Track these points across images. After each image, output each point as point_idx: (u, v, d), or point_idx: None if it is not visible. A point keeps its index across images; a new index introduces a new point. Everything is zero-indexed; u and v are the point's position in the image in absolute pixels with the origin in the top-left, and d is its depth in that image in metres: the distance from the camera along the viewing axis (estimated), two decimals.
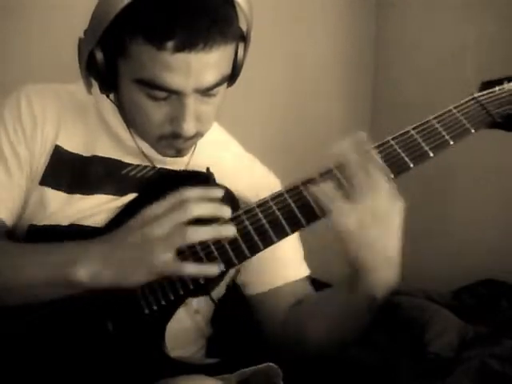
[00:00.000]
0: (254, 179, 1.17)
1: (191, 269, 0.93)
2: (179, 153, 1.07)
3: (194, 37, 0.93)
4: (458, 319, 1.45)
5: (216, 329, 1.21)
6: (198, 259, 0.95)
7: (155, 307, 0.97)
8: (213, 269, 0.93)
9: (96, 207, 1.07)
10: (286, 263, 1.17)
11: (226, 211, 0.94)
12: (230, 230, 0.94)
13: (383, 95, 2.19)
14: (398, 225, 0.95)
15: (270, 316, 1.16)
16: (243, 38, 1.04)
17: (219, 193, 0.96)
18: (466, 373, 1.22)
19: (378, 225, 0.93)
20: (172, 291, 0.97)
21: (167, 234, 0.91)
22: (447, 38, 1.93)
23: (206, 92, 0.99)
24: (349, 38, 2.18)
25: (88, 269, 0.92)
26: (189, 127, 0.99)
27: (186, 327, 1.12)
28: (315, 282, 1.20)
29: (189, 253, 0.95)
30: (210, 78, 0.97)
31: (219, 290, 1.16)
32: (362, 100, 2.21)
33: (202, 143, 1.10)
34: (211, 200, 0.95)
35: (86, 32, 1.00)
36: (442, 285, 1.68)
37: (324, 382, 1.22)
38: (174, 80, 0.95)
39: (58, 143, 1.08)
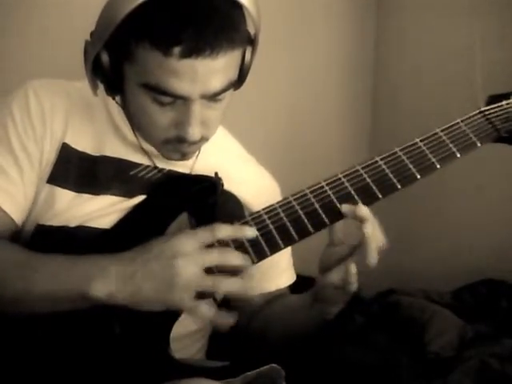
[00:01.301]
0: (257, 183, 1.17)
1: (205, 313, 0.94)
2: (184, 156, 1.07)
3: (200, 43, 0.92)
4: (458, 319, 1.45)
5: (216, 329, 1.21)
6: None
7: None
8: (227, 318, 0.94)
9: (104, 208, 1.06)
10: (281, 271, 1.20)
11: (247, 260, 0.96)
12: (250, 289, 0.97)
13: (383, 95, 2.19)
14: None
15: (244, 310, 1.17)
16: (251, 41, 1.03)
17: (251, 235, 0.96)
18: (466, 372, 1.22)
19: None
20: None
21: (191, 276, 0.92)
22: (447, 38, 1.93)
23: (212, 97, 0.98)
24: (349, 38, 2.18)
25: (106, 287, 0.92)
26: (194, 132, 0.99)
27: (187, 328, 1.11)
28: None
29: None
30: (216, 83, 0.97)
31: None
32: (362, 101, 2.21)
33: (206, 146, 1.10)
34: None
35: (92, 34, 0.99)
36: (441, 285, 1.68)
37: (324, 381, 1.22)
38: (181, 86, 0.95)
39: (66, 141, 1.07)
